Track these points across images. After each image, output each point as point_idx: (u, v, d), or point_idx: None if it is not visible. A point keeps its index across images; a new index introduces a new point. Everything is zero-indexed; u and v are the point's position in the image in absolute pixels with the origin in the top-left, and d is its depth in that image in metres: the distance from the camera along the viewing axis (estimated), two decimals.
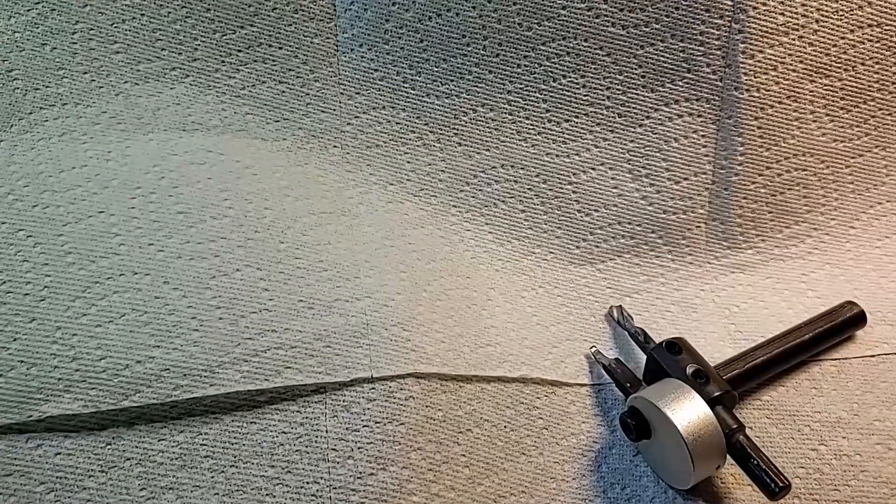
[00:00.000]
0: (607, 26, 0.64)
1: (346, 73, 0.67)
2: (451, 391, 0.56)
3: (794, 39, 0.64)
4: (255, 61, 0.66)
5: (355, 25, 0.66)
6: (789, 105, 0.65)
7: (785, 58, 0.64)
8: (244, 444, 0.53)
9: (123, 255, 0.56)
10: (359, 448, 0.53)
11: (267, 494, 0.52)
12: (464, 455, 0.55)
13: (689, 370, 0.56)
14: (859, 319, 0.62)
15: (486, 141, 0.67)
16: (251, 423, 0.53)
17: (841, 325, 0.62)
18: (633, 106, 0.66)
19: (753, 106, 0.65)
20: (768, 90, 0.65)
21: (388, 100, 0.67)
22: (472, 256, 0.65)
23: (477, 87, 0.66)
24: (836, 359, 0.62)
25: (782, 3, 0.63)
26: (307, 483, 0.52)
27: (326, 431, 0.53)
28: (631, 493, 0.56)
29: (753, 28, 0.63)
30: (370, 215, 0.64)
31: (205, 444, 0.53)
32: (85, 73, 0.65)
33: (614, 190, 0.67)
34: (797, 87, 0.65)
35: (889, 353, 0.62)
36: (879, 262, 0.68)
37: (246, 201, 0.61)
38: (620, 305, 0.64)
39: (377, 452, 0.53)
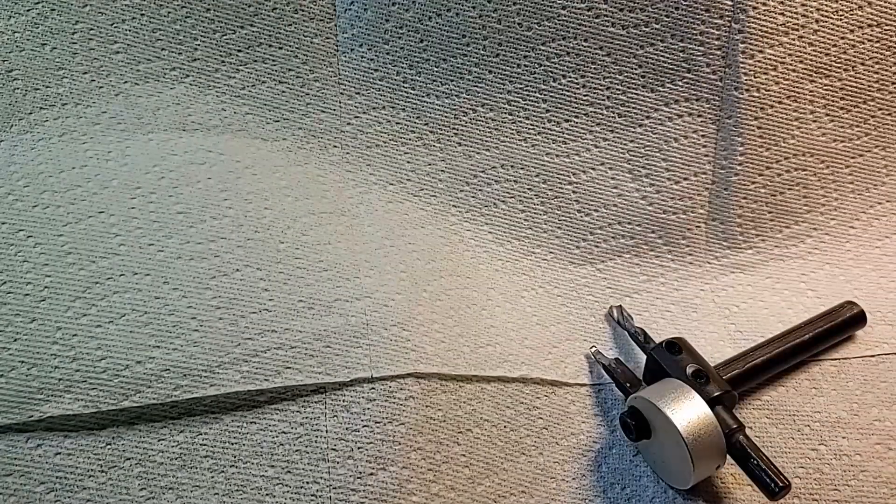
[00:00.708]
0: (607, 26, 0.64)
1: (346, 73, 0.67)
2: (451, 391, 0.56)
3: (794, 39, 0.64)
4: (255, 61, 0.66)
5: (355, 25, 0.66)
6: (789, 105, 0.65)
7: (785, 58, 0.64)
8: (244, 444, 0.53)
9: (123, 255, 0.56)
10: (359, 448, 0.53)
11: (267, 494, 0.52)
12: (464, 455, 0.55)
13: (689, 370, 0.56)
14: (859, 319, 0.62)
15: (486, 141, 0.67)
16: (251, 423, 0.53)
17: (841, 325, 0.62)
18: (633, 106, 0.66)
19: (753, 106, 0.65)
20: (768, 90, 0.65)
21: (387, 100, 0.67)
22: (472, 256, 0.65)
23: (477, 87, 0.66)
24: (836, 359, 0.62)
25: (782, 3, 0.63)
26: (307, 483, 0.52)
27: (326, 431, 0.53)
28: (631, 493, 0.56)
29: (753, 28, 0.63)
30: (370, 215, 0.64)
31: (205, 444, 0.53)
32: (85, 73, 0.65)
33: (614, 190, 0.66)
34: (797, 87, 0.65)
35: (889, 353, 0.62)
36: (879, 262, 0.68)
37: (246, 201, 0.61)
38: (620, 305, 0.64)
39: (377, 452, 0.53)
